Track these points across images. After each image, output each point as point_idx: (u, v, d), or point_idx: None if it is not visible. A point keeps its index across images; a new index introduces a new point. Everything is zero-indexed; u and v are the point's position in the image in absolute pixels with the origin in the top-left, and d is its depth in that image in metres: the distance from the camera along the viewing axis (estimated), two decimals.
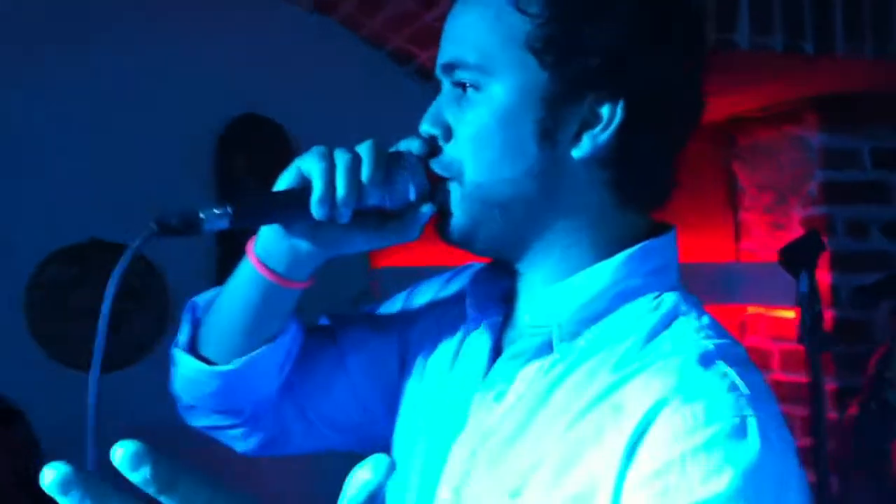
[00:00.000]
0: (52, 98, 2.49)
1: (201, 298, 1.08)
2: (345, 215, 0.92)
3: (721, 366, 0.85)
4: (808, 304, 2.12)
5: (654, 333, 0.89)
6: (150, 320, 2.52)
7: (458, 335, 1.03)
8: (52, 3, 2.50)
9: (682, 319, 0.90)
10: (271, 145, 2.63)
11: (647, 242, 0.93)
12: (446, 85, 0.94)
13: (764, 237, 3.18)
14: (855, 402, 2.56)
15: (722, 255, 3.28)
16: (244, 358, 1.01)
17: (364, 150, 0.92)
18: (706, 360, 0.85)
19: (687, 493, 0.79)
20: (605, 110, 0.89)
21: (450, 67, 0.93)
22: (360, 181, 0.91)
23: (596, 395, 0.86)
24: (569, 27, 0.87)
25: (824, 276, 3.03)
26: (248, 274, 0.99)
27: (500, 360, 0.96)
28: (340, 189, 0.90)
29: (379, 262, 2.68)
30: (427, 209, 0.94)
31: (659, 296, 0.92)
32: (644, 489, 0.81)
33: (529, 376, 0.92)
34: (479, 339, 0.99)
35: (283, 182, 0.93)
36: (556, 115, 0.89)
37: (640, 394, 0.84)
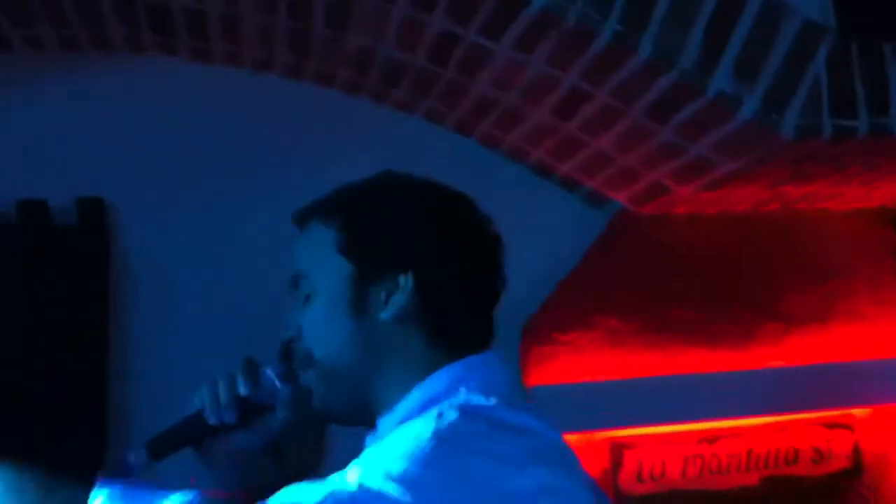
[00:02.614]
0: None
1: None
2: (232, 416, 1.21)
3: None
4: None
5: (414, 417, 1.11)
6: None
7: None
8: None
9: (436, 411, 1.07)
10: None
11: (446, 367, 1.16)
12: (295, 296, 1.24)
13: None
14: None
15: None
16: None
17: (237, 368, 1.24)
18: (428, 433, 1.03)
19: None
20: (402, 279, 1.17)
21: (293, 282, 1.24)
22: (236, 389, 1.22)
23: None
24: (360, 231, 1.20)
25: None
26: (194, 499, 1.20)
27: None
28: (222, 397, 1.21)
29: (531, 380, 2.63)
30: (284, 390, 1.22)
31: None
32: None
33: None
34: None
35: (189, 412, 1.22)
36: (363, 292, 1.19)
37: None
